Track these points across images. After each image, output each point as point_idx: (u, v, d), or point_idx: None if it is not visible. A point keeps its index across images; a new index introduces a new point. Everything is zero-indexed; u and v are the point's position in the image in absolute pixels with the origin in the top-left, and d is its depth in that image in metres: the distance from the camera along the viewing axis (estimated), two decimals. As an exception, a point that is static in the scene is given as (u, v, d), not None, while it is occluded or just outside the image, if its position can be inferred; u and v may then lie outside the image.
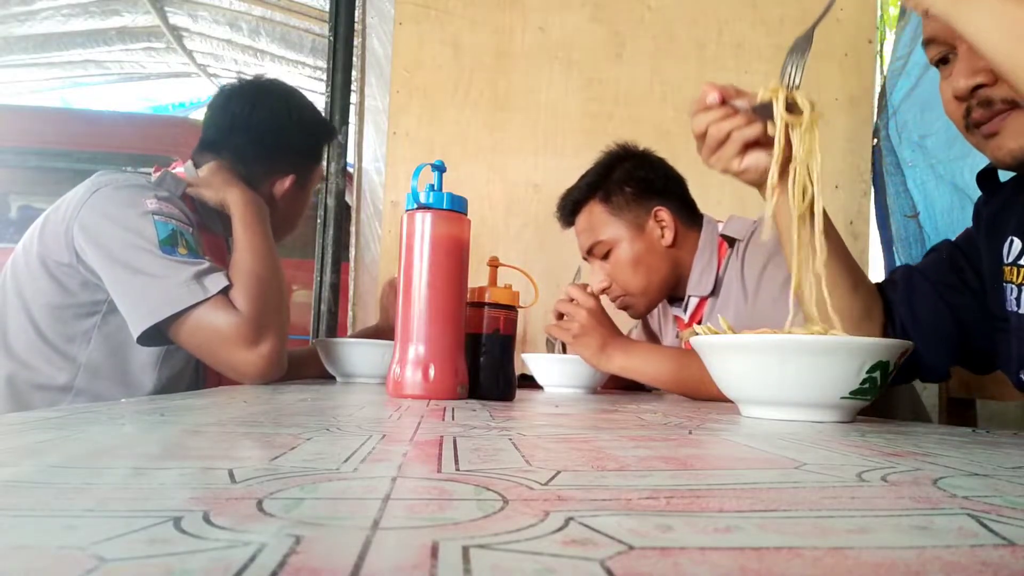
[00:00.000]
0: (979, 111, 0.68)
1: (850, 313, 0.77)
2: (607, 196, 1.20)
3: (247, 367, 0.94)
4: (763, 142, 0.73)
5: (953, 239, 0.88)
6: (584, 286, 1.11)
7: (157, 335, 0.93)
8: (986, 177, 0.82)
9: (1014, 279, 0.75)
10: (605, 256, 1.20)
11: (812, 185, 0.66)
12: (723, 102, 0.73)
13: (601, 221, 1.20)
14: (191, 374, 1.09)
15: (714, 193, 1.51)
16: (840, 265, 0.77)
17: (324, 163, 1.28)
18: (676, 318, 1.27)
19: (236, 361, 0.94)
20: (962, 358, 0.84)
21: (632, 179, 1.20)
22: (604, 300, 1.16)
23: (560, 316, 1.10)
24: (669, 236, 1.18)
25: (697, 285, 1.18)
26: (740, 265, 1.12)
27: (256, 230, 1.05)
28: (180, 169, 1.12)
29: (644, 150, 1.25)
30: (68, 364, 0.99)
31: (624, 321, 1.18)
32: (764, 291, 1.07)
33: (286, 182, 1.18)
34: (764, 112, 0.70)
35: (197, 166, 1.12)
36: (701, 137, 0.76)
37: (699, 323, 1.16)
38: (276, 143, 1.15)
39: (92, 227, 0.95)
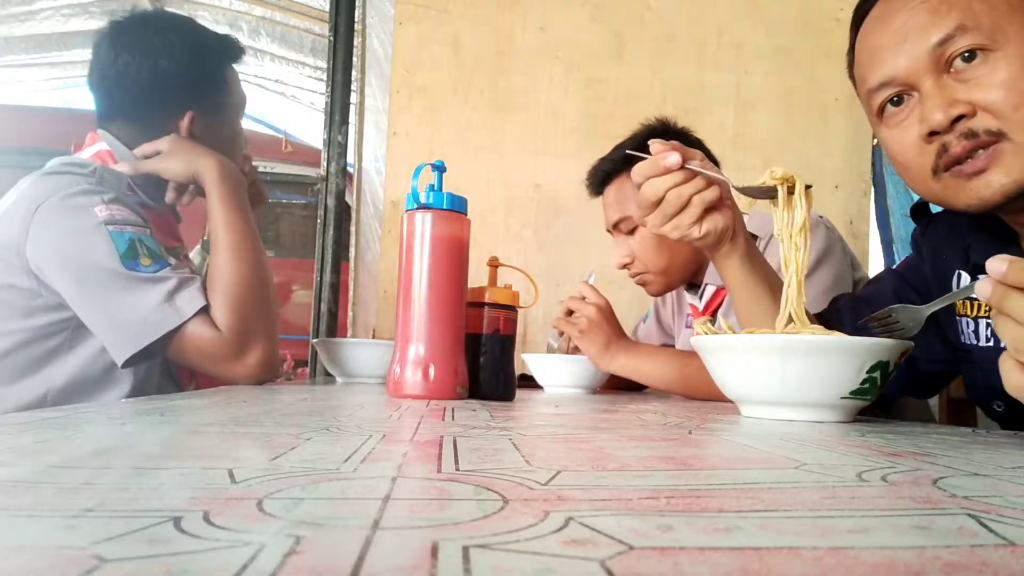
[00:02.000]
0: (960, 143, 0.61)
1: None
2: None
3: (238, 377, 0.93)
4: (718, 204, 0.72)
5: (895, 267, 0.88)
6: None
7: (138, 355, 0.89)
8: (919, 211, 0.82)
9: (968, 312, 0.74)
10: (631, 232, 1.19)
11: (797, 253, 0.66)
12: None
13: (631, 197, 1.17)
14: (162, 371, 1.05)
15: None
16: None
17: (237, 87, 1.10)
18: (691, 306, 1.27)
19: (226, 374, 0.92)
20: (908, 386, 0.84)
21: None
22: (612, 300, 1.16)
23: (569, 313, 1.11)
24: None
25: (714, 273, 1.17)
26: None
27: (236, 213, 0.97)
28: (99, 147, 1.03)
29: (683, 128, 1.23)
30: (41, 382, 0.95)
31: (622, 316, 1.18)
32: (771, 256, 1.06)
33: (183, 120, 1.03)
34: (754, 193, 0.68)
35: (127, 142, 1.03)
36: (655, 204, 0.71)
37: (714, 312, 1.17)
38: (150, 83, 1.00)
39: (47, 248, 0.89)
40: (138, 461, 0.27)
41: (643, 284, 1.23)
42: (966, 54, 0.61)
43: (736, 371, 0.62)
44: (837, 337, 0.59)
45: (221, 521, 0.17)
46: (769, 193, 0.68)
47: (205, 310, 0.91)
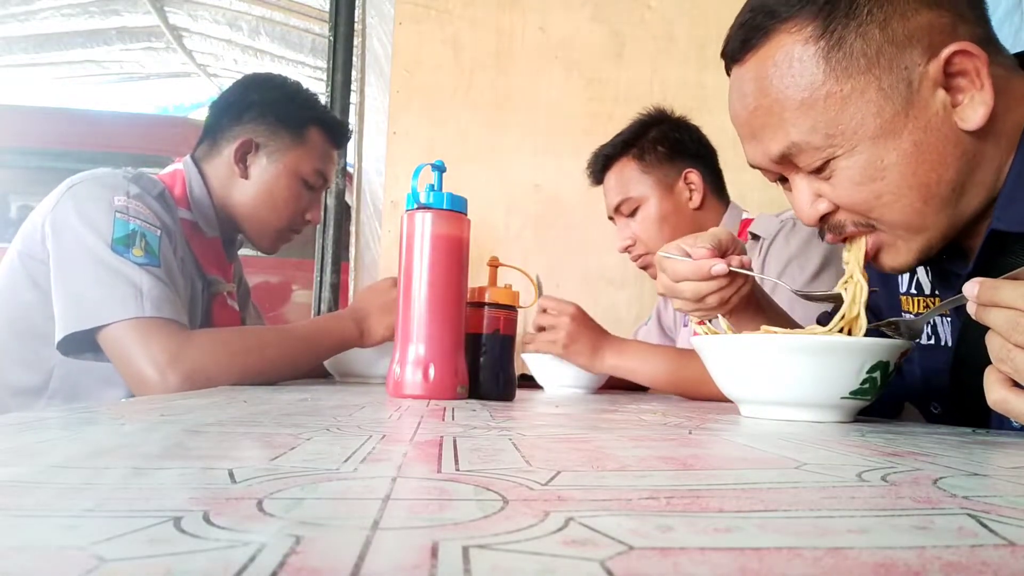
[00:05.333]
0: (831, 235, 0.64)
1: None
2: (640, 154, 1.20)
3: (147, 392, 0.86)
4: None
5: None
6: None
7: (84, 344, 0.87)
8: None
9: (911, 309, 0.74)
10: (632, 214, 1.21)
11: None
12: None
13: (631, 178, 1.20)
14: None
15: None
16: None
17: (317, 157, 1.14)
18: None
19: (137, 392, 0.86)
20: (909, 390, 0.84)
21: (666, 140, 1.21)
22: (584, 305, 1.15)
23: (541, 329, 1.09)
24: (697, 199, 1.19)
25: None
26: (761, 264, 1.11)
27: (317, 352, 1.02)
28: (175, 166, 1.08)
29: (680, 116, 1.26)
30: (42, 365, 0.94)
31: (622, 316, 1.18)
32: (781, 291, 1.06)
33: (234, 144, 1.08)
34: (827, 298, 0.67)
35: (202, 163, 1.10)
36: (698, 300, 0.71)
37: None
38: (240, 98, 1.11)
39: (59, 221, 0.91)
40: (138, 461, 0.27)
41: (645, 267, 1.23)
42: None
43: (736, 371, 0.62)
44: (837, 337, 0.59)
45: (221, 521, 0.17)
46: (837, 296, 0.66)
47: (170, 323, 0.87)
